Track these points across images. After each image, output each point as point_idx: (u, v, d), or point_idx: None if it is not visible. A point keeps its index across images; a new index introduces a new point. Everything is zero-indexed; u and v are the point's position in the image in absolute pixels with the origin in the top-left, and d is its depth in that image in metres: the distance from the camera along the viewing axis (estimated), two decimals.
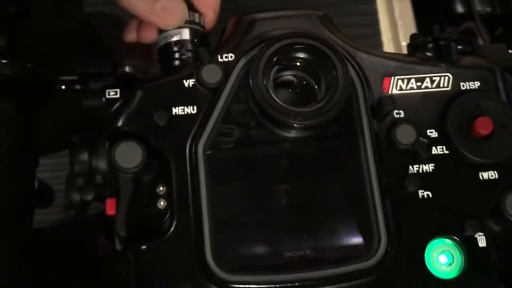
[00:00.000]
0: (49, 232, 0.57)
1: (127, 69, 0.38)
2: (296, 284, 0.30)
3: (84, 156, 0.35)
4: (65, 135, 0.37)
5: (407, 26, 0.75)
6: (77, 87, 0.36)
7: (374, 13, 0.75)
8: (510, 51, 0.42)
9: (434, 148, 0.33)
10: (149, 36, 0.39)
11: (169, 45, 0.35)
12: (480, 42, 0.69)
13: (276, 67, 0.33)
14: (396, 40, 0.75)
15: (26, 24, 0.40)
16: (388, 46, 0.75)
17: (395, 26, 0.75)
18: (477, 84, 0.34)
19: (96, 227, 0.46)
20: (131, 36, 0.41)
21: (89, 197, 0.37)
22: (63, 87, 0.37)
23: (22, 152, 0.35)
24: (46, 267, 0.47)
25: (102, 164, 0.35)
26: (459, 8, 0.73)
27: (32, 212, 0.35)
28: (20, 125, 0.35)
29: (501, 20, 0.72)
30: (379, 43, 0.74)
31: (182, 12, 0.35)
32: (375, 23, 0.75)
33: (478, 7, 0.71)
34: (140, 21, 0.40)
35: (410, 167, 0.32)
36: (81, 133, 0.36)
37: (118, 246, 0.33)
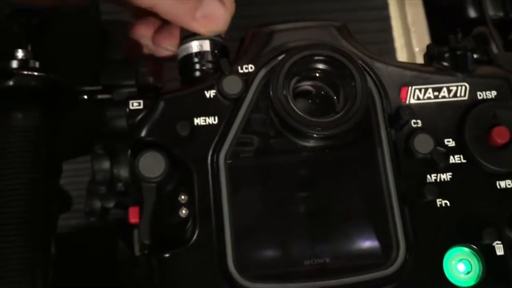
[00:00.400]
0: (68, 237, 0.58)
1: (147, 78, 0.39)
2: None
3: (106, 164, 0.35)
4: (85, 142, 0.38)
5: (420, 31, 0.75)
6: (100, 97, 0.37)
7: (387, 19, 0.75)
8: None
9: (451, 157, 0.33)
10: (165, 43, 0.40)
11: (189, 56, 0.36)
12: (493, 47, 0.69)
13: (296, 78, 0.33)
14: (409, 46, 0.75)
15: (49, 35, 0.41)
16: (401, 52, 0.75)
17: (408, 32, 0.75)
18: (493, 93, 0.35)
19: (116, 233, 0.47)
20: (144, 32, 0.40)
21: (111, 204, 0.38)
22: (86, 96, 0.38)
23: (47, 161, 0.36)
24: (66, 272, 0.47)
25: (123, 172, 0.35)
26: (472, 13, 0.73)
27: (56, 220, 0.36)
28: (45, 135, 0.35)
29: None
30: (392, 49, 0.74)
31: (224, 17, 0.35)
32: (388, 29, 0.75)
33: (491, 12, 0.71)
34: (161, 25, 0.40)
35: (428, 176, 0.33)
36: (103, 141, 0.37)
37: (137, 252, 0.33)
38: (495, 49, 0.68)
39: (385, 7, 0.76)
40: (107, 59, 0.58)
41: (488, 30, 0.69)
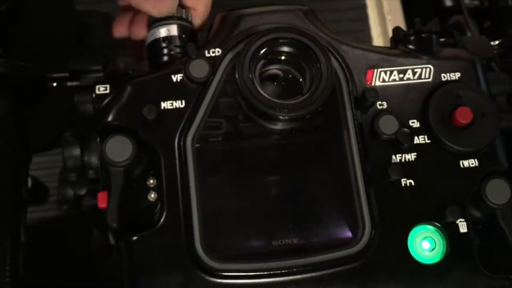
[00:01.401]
0: (44, 227, 0.58)
1: (118, 65, 0.39)
2: (283, 271, 0.31)
3: (76, 151, 0.35)
4: (59, 132, 0.38)
5: (396, 20, 0.76)
6: (68, 84, 0.37)
7: (363, 8, 0.76)
8: (492, 42, 0.43)
9: (416, 137, 0.34)
10: (140, 33, 0.40)
11: (157, 41, 0.36)
12: (469, 35, 0.70)
13: (262, 61, 0.34)
14: (385, 34, 0.76)
15: (19, 22, 0.41)
16: (377, 41, 0.76)
17: (384, 20, 0.76)
18: (457, 75, 0.35)
19: (90, 222, 0.47)
20: (121, 29, 0.42)
21: (82, 191, 0.38)
22: (55, 84, 0.38)
23: (16, 149, 0.35)
24: (40, 261, 0.47)
25: (94, 159, 0.35)
26: (448, 2, 0.74)
27: (25, 208, 0.36)
28: (14, 123, 0.35)
29: (489, 14, 0.73)
30: (368, 38, 0.75)
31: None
32: (364, 18, 0.76)
33: (467, 0, 0.72)
34: (133, 16, 0.41)
35: (393, 156, 0.33)
36: (73, 129, 0.36)
37: (112, 240, 0.33)
38: None
39: None
40: (83, 48, 0.58)
41: (464, 19, 0.70)
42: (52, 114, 0.43)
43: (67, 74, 0.36)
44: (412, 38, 0.36)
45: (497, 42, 0.45)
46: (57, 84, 0.38)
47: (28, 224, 0.37)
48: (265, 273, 0.31)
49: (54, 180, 0.43)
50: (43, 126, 0.43)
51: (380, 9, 0.77)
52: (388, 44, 0.76)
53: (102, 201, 0.32)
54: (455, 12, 0.73)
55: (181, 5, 0.37)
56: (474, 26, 0.72)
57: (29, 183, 0.56)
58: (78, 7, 0.63)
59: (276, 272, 0.31)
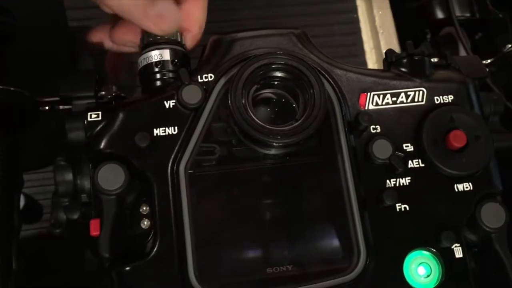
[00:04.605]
0: (36, 247, 0.57)
1: (111, 88, 0.38)
2: None
3: (69, 176, 0.35)
4: (52, 149, 0.38)
5: (388, 34, 0.76)
6: (61, 107, 0.36)
7: (355, 21, 0.76)
8: (483, 61, 0.43)
9: (410, 161, 0.34)
10: (120, 39, 0.39)
11: (150, 65, 0.35)
12: (461, 47, 0.71)
13: (255, 86, 0.34)
14: (378, 48, 0.76)
15: (11, 45, 0.41)
16: (370, 54, 0.76)
17: (377, 34, 0.76)
18: (450, 97, 0.35)
19: (83, 243, 0.46)
20: (100, 35, 0.40)
21: (75, 216, 0.38)
22: (47, 108, 0.38)
23: (7, 176, 0.35)
24: (34, 282, 0.47)
25: (87, 183, 0.35)
26: (439, 14, 0.74)
27: (17, 235, 0.36)
28: (5, 149, 0.35)
29: (480, 26, 0.73)
30: (361, 52, 0.75)
31: (176, 18, 0.35)
32: (357, 32, 0.76)
33: (458, 13, 0.72)
34: (113, 23, 0.40)
35: (387, 181, 0.33)
36: (65, 152, 0.36)
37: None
38: (462, 49, 0.69)
39: (354, 10, 0.76)
40: (76, 67, 0.58)
41: (455, 31, 0.70)
42: (46, 131, 0.42)
43: (58, 99, 0.36)
44: (404, 61, 0.36)
45: (489, 61, 0.45)
46: (49, 108, 0.38)
47: (21, 243, 0.36)
48: None
49: (48, 198, 0.43)
50: (36, 143, 0.43)
51: (373, 23, 0.77)
52: (381, 58, 0.76)
53: (94, 229, 0.32)
54: (446, 24, 0.73)
55: None
56: (466, 38, 0.73)
57: (23, 201, 0.56)
58: (70, 23, 0.62)
59: None
